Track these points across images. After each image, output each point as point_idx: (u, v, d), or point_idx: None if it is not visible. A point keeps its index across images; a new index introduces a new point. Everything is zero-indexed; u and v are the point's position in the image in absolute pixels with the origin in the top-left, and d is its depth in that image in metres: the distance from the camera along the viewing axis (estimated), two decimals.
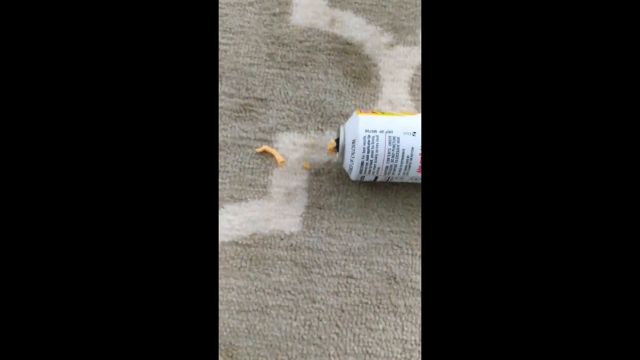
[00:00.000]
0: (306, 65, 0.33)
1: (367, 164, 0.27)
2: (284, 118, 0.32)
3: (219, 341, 0.28)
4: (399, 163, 0.27)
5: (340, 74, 0.33)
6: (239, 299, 0.29)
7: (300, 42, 0.34)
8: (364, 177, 0.28)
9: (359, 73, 0.33)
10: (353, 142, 0.27)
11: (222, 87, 0.32)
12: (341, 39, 0.34)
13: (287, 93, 0.33)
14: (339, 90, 0.33)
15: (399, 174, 0.27)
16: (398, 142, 0.26)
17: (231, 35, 0.34)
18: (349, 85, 0.33)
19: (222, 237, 0.30)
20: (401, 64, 0.33)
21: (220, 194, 0.30)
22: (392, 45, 0.34)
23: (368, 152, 0.26)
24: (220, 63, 0.33)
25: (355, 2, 0.35)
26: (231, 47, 0.33)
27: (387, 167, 0.27)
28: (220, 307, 0.28)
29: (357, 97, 0.33)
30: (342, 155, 0.28)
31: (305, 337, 0.28)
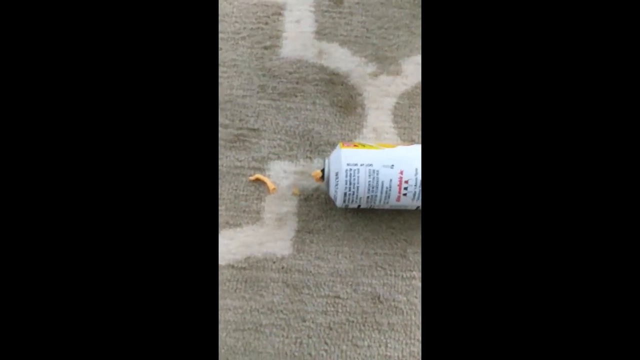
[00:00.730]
0: (295, 96, 0.35)
1: (349, 194, 0.29)
2: (275, 147, 0.34)
3: (218, 358, 0.30)
4: (379, 194, 0.29)
5: (327, 104, 0.35)
6: (235, 319, 0.31)
7: (290, 73, 0.36)
8: (347, 205, 0.30)
9: (344, 102, 0.35)
10: (336, 175, 0.29)
11: (218, 119, 0.35)
12: (328, 70, 0.36)
13: (278, 123, 0.35)
14: (326, 120, 0.35)
15: (379, 202, 0.30)
16: (377, 174, 0.28)
17: (225, 68, 0.36)
18: (336, 115, 0.35)
19: (219, 261, 0.32)
20: (385, 92, 0.35)
21: (218, 220, 0.33)
22: (376, 75, 0.36)
23: (350, 184, 0.29)
24: None
25: (340, 35, 0.37)
26: (225, 80, 0.36)
27: (368, 197, 0.29)
28: (218, 326, 0.31)
29: (343, 126, 0.35)
30: (327, 185, 0.30)
31: (296, 353, 0.30)
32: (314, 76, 0.36)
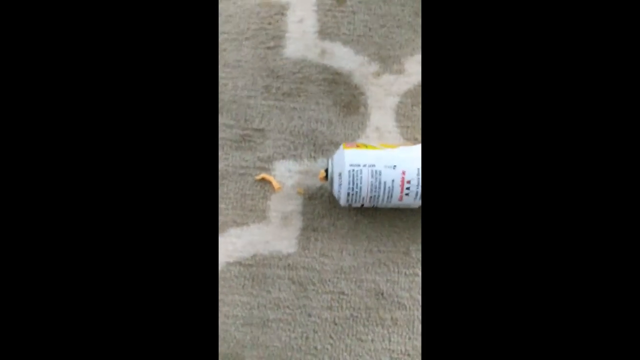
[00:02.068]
0: (299, 96, 0.36)
1: (352, 194, 0.30)
2: (279, 147, 0.35)
3: (227, 352, 0.31)
4: (381, 193, 0.29)
5: (330, 104, 0.35)
6: (243, 314, 0.32)
7: (294, 73, 0.36)
8: (351, 204, 0.31)
9: (347, 102, 0.35)
10: (340, 175, 0.30)
11: (223, 119, 0.35)
12: (331, 69, 0.36)
13: (282, 123, 0.35)
14: (329, 120, 0.35)
15: (382, 202, 0.30)
16: (380, 175, 0.29)
17: (229, 69, 0.36)
18: (339, 114, 0.35)
19: (227, 259, 0.33)
20: (387, 92, 0.36)
21: (224, 219, 0.34)
22: (378, 74, 0.36)
23: (353, 184, 0.29)
24: (220, 96, 0.36)
25: (343, 34, 0.37)
26: (230, 81, 0.36)
27: (371, 197, 0.30)
28: (227, 321, 0.32)
29: (346, 126, 0.35)
30: (331, 184, 0.31)
31: (302, 347, 0.31)
32: (317, 76, 0.36)
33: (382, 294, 0.32)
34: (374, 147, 0.30)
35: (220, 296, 0.32)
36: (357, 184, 0.29)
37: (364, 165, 0.29)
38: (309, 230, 0.33)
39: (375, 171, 0.29)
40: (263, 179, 0.34)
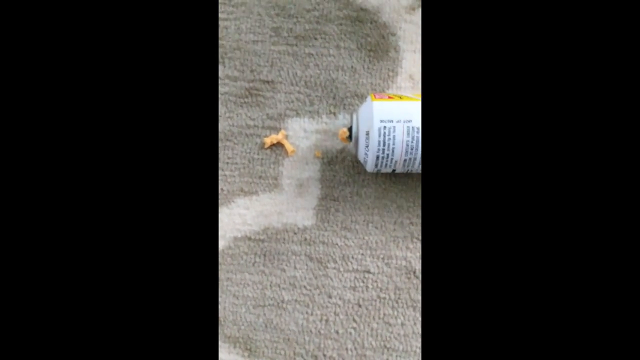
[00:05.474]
0: (315, 39, 0.30)
1: (383, 157, 0.24)
2: (292, 102, 0.29)
3: (238, 335, 0.28)
4: (419, 156, 0.24)
5: (354, 48, 0.29)
6: (254, 294, 0.28)
7: (308, 11, 0.30)
8: (380, 170, 0.26)
9: (375, 45, 0.29)
10: (367, 134, 0.24)
11: (225, 70, 0.30)
12: (354, 5, 0.30)
13: (296, 73, 0.30)
14: (352, 67, 0.29)
15: (419, 166, 0.25)
16: (417, 132, 0.24)
17: (232, 8, 0.30)
18: (364, 60, 0.29)
19: (234, 233, 0.29)
20: None
21: (231, 188, 0.29)
22: (413, 9, 0.29)
23: (384, 145, 0.24)
24: (221, 42, 0.30)
25: None
26: (232, 23, 0.30)
27: (405, 160, 0.24)
28: (236, 302, 0.28)
29: (374, 74, 0.29)
30: (356, 146, 0.26)
31: (322, 331, 0.28)
32: (338, 13, 0.30)
33: (414, 273, 0.28)
34: (410, 98, 0.24)
35: (229, 275, 0.28)
36: (388, 145, 0.24)
37: (398, 121, 0.23)
38: (328, 199, 0.29)
39: (412, 128, 0.23)
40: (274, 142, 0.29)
